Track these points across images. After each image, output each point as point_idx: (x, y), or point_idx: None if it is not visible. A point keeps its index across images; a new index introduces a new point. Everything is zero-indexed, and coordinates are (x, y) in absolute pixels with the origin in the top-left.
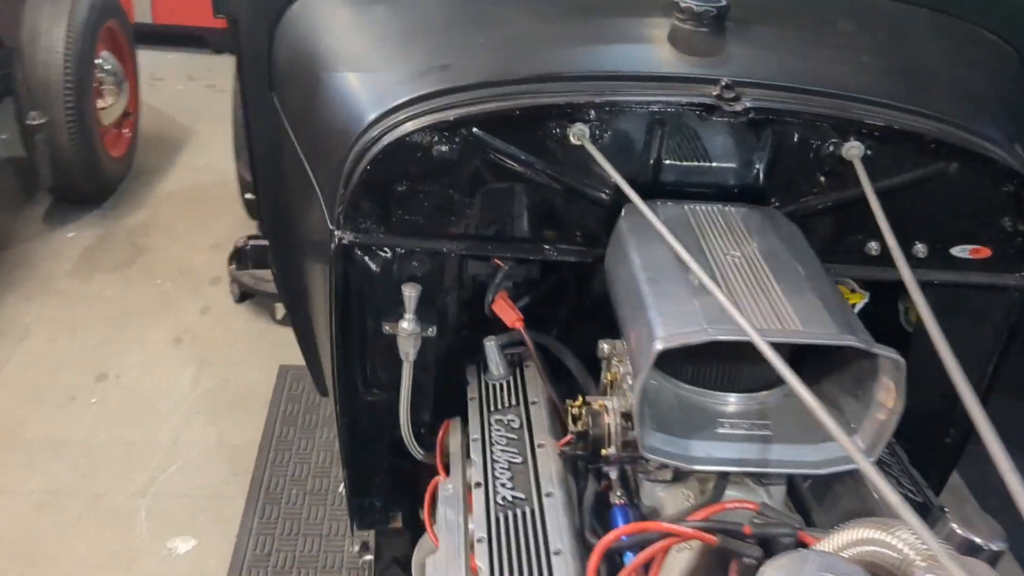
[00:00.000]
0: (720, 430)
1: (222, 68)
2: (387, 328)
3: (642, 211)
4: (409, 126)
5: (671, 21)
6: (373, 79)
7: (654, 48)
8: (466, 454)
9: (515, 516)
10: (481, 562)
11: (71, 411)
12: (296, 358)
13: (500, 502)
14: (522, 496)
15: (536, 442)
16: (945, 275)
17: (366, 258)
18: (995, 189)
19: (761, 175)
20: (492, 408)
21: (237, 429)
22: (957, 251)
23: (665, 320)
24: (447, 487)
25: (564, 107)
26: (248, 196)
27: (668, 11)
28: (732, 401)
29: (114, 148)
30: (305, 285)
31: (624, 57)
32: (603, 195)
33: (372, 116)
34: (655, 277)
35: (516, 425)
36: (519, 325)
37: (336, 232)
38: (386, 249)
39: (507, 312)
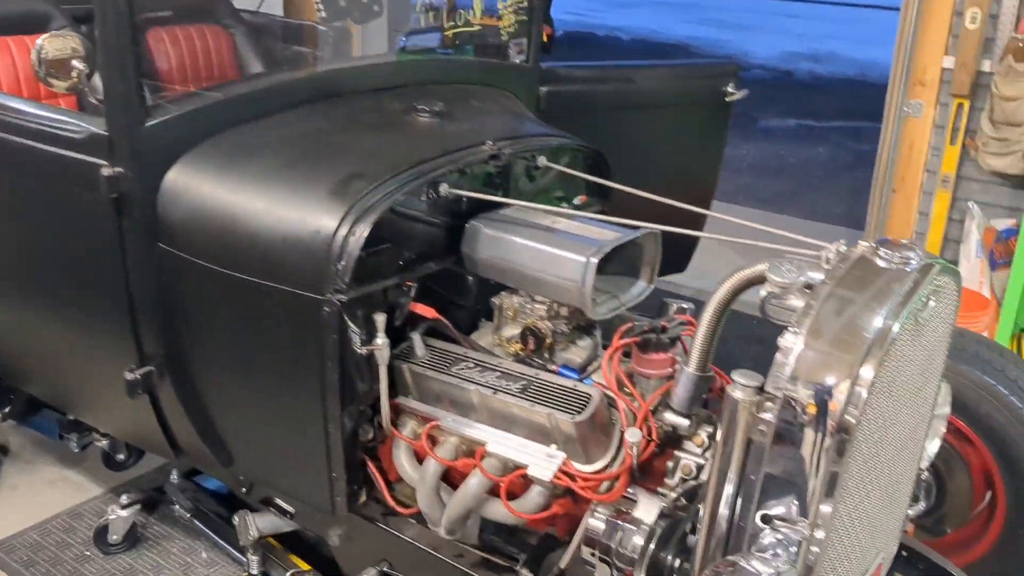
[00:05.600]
0: (598, 301)
1: None
2: (364, 350)
3: (504, 209)
4: (376, 211)
5: (419, 118)
6: (311, 197)
7: (439, 133)
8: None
9: (537, 388)
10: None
11: None
12: None
13: (518, 391)
14: (525, 378)
15: (494, 362)
16: None
17: (352, 307)
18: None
19: (512, 185)
20: (445, 369)
21: None
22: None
23: (578, 250)
24: (447, 421)
25: (446, 173)
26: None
27: (409, 112)
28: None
29: None
30: (218, 377)
31: (434, 141)
32: (451, 221)
33: (340, 215)
34: (539, 238)
35: (472, 365)
36: (437, 315)
37: (332, 297)
38: (364, 296)
39: (426, 310)
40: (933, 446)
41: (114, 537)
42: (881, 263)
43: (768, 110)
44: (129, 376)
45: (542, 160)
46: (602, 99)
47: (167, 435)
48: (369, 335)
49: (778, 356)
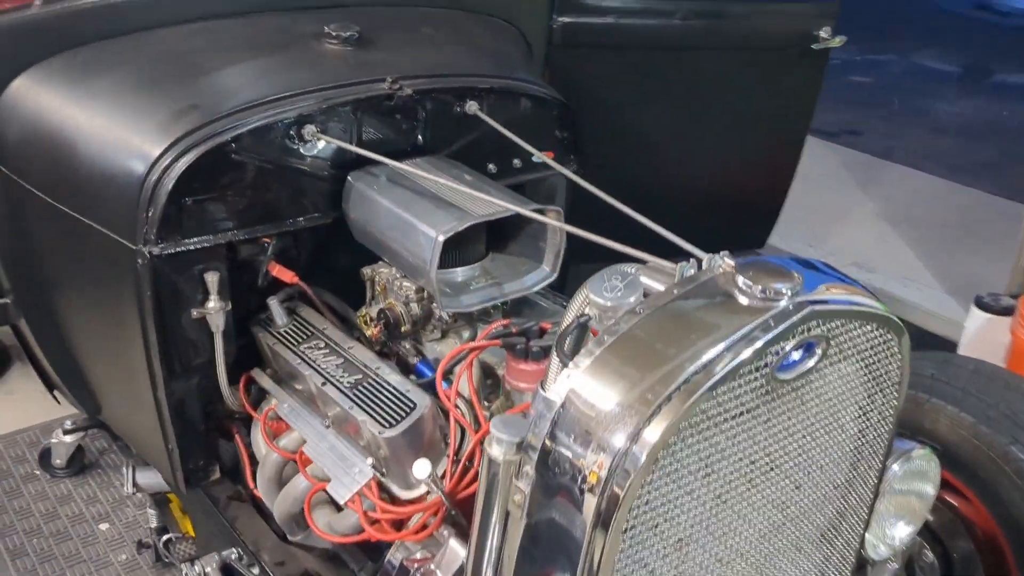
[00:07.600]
0: (473, 287)
1: None
2: (195, 313)
3: (389, 165)
4: (196, 151)
5: (324, 45)
6: (138, 127)
7: (332, 64)
8: (282, 382)
9: (369, 386)
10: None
11: None
12: None
13: (348, 385)
14: (364, 372)
15: (346, 345)
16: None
17: (171, 262)
18: (545, 112)
19: (425, 135)
20: (294, 345)
21: None
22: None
23: (434, 222)
24: (283, 407)
25: (302, 116)
26: None
27: (318, 38)
28: (471, 270)
29: None
30: (68, 319)
31: (318, 74)
32: (329, 172)
33: (157, 152)
34: (405, 204)
35: (323, 345)
36: (296, 280)
37: (143, 248)
38: (187, 250)
39: (284, 273)
40: (902, 531)
41: (57, 461)
42: (739, 295)
43: (1010, 63)
44: None
45: (472, 107)
46: (638, 36)
47: (38, 372)
48: (203, 297)
49: (539, 405)
